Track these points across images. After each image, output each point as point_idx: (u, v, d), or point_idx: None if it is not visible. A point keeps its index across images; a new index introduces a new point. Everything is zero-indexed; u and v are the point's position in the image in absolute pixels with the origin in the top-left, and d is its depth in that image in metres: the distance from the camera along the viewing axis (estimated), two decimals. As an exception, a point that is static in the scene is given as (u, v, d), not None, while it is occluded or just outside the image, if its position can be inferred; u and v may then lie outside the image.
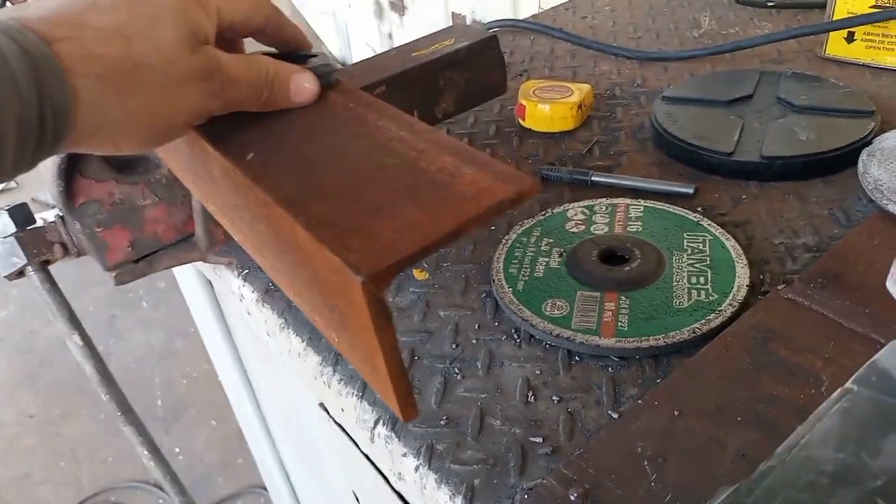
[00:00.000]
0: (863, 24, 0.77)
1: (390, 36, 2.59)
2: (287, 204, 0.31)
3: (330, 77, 0.41)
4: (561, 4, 1.14)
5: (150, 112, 0.33)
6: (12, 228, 0.57)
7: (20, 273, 0.58)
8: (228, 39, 0.41)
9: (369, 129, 0.35)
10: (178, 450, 1.85)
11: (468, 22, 2.03)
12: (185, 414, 1.97)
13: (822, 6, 0.85)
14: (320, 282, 0.31)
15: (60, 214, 0.59)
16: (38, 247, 0.58)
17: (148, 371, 2.13)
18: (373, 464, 0.54)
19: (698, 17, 1.00)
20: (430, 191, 0.30)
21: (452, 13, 2.13)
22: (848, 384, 0.32)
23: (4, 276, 0.57)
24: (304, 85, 0.39)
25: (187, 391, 2.05)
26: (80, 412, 2.01)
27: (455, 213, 0.28)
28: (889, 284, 0.34)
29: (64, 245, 0.59)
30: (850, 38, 0.80)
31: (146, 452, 0.68)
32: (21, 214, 0.57)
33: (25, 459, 1.90)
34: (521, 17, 1.08)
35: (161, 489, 1.72)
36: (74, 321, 0.60)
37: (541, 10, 1.13)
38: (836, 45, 0.81)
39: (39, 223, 0.58)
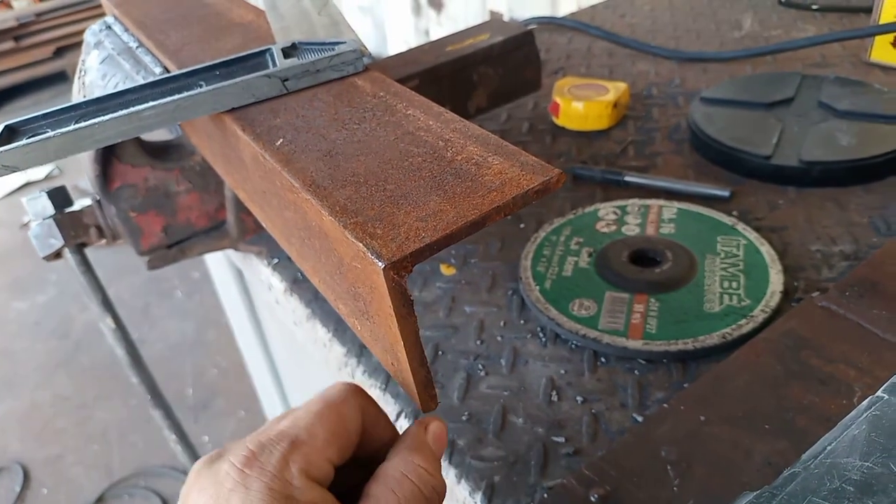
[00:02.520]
0: (912, 29, 0.75)
1: (427, 32, 2.60)
2: (313, 190, 0.31)
3: (359, 64, 0.41)
4: (600, 3, 1.13)
5: None
6: (51, 210, 0.58)
7: (57, 254, 0.59)
8: (360, 464, 0.33)
9: (397, 118, 0.35)
10: (206, 438, 1.88)
11: (505, 19, 2.03)
12: (215, 403, 2.00)
13: (868, 10, 0.83)
14: (344, 269, 0.31)
15: (97, 198, 0.60)
16: (75, 229, 0.59)
17: (180, 359, 2.16)
18: (393, 457, 0.54)
19: (740, 18, 0.98)
20: (454, 180, 0.30)
21: (490, 11, 2.12)
22: (879, 393, 0.31)
23: (42, 257, 0.59)
24: (442, 441, 0.33)
25: (217, 381, 2.08)
26: (113, 397, 2.05)
27: (479, 203, 0.28)
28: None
29: (99, 228, 0.60)
30: (897, 43, 0.78)
31: (173, 436, 0.69)
32: (60, 197, 0.58)
33: (59, 441, 1.94)
34: (559, 15, 1.07)
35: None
36: (107, 304, 0.61)
37: (579, 8, 1.12)
38: (881, 49, 0.79)
39: (77, 206, 0.59)
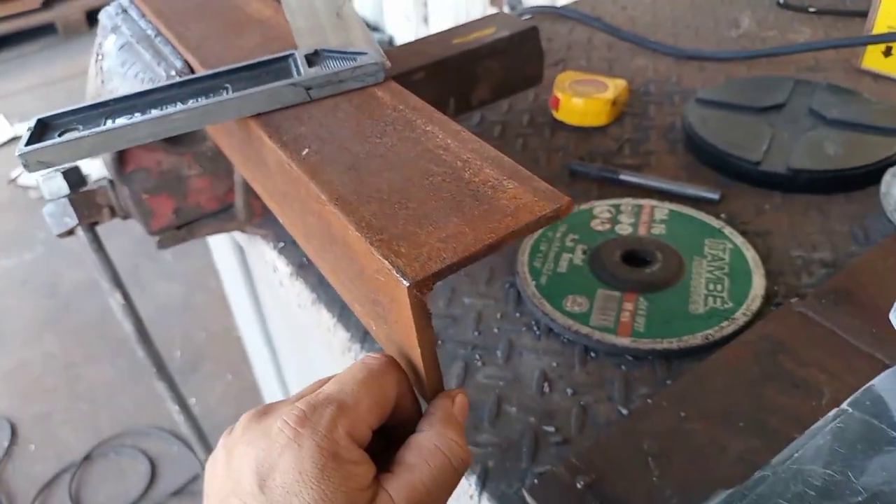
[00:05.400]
0: (902, 40, 0.77)
1: (425, 4, 2.59)
2: (340, 204, 0.33)
3: (379, 76, 0.43)
4: (601, -8, 1.14)
5: None
6: (66, 190, 0.60)
7: (70, 232, 0.61)
8: (392, 429, 0.35)
9: (417, 134, 0.38)
10: (194, 400, 1.91)
11: (506, 1, 2.03)
12: (203, 366, 2.03)
13: (864, 14, 0.85)
14: (365, 278, 0.34)
15: (110, 179, 0.62)
16: (89, 209, 0.61)
17: (168, 322, 2.18)
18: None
19: (738, 16, 1.00)
20: (472, 203, 0.32)
21: (490, -13, 2.12)
22: (844, 405, 0.35)
23: (56, 235, 0.61)
24: (466, 413, 0.35)
25: (205, 344, 2.10)
26: (101, 357, 2.07)
27: (495, 227, 0.31)
28: (892, 315, 0.36)
29: (112, 208, 0.62)
30: (887, 53, 0.80)
31: (176, 407, 0.72)
32: (74, 177, 0.60)
33: (47, 399, 1.97)
34: (560, 3, 1.09)
35: (176, 436, 1.78)
36: (117, 281, 0.64)
37: (581, -3, 1.13)
38: (873, 58, 0.82)
39: (91, 186, 0.61)
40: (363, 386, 0.32)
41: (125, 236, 2.47)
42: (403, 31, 2.74)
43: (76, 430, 1.88)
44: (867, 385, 0.35)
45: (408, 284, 0.29)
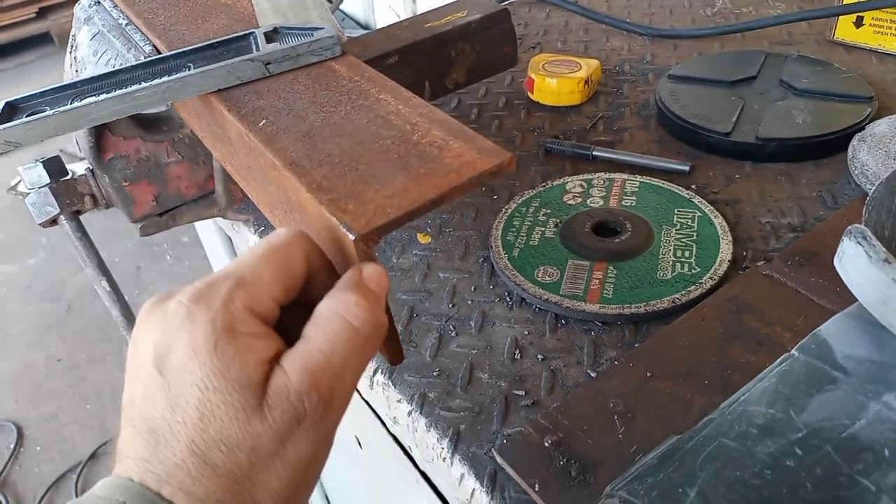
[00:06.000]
0: (871, 10, 0.78)
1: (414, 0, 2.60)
2: (293, 168, 0.35)
3: (336, 49, 0.44)
4: (581, -24, 1.15)
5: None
6: (46, 179, 0.61)
7: (53, 221, 0.63)
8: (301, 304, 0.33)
9: (370, 102, 0.39)
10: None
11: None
12: (204, 364, 2.05)
13: (837, -12, 0.86)
14: (322, 240, 0.35)
15: (90, 168, 0.63)
16: (70, 197, 0.62)
17: (169, 322, 2.20)
18: (372, 409, 0.58)
19: (714, -5, 1.01)
20: (419, 162, 0.33)
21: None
22: (792, 350, 0.36)
23: (39, 224, 0.62)
24: (380, 282, 0.32)
25: (207, 343, 2.12)
26: (106, 358, 2.09)
27: (439, 183, 0.32)
28: (836, 262, 0.37)
29: (94, 197, 0.63)
30: (858, 23, 0.81)
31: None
32: (55, 166, 0.61)
33: (53, 401, 1.99)
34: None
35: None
36: (102, 268, 0.65)
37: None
38: (844, 28, 0.82)
39: (71, 175, 0.63)
40: (264, 258, 0.31)
41: (127, 240, 2.50)
42: (395, 27, 2.75)
43: (82, 430, 1.90)
44: (814, 331, 0.36)
45: (353, 238, 0.30)
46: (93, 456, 1.80)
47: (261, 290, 0.30)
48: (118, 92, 0.41)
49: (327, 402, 0.30)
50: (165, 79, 0.41)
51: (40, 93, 0.43)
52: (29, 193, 0.62)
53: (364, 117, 0.38)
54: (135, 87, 0.41)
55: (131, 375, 0.31)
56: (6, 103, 0.42)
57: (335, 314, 0.30)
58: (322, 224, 0.33)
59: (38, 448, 1.86)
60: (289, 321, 0.32)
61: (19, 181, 2.85)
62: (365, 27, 2.94)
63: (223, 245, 0.95)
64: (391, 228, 0.31)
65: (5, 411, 1.97)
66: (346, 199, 0.32)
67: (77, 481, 1.73)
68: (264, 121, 0.39)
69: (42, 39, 4.00)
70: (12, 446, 1.85)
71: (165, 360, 0.29)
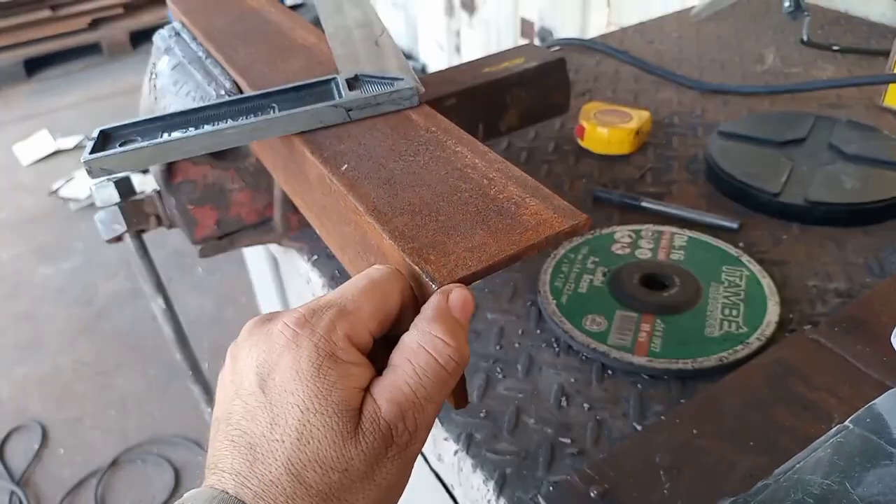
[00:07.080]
0: (924, 79, 0.79)
1: (458, 34, 2.65)
2: (375, 214, 0.36)
3: (414, 100, 0.46)
4: (630, 26, 1.18)
5: None
6: (116, 198, 0.64)
7: (119, 238, 0.65)
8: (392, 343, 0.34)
9: (447, 154, 0.41)
10: (218, 411, 1.95)
11: (536, 29, 2.07)
12: (229, 379, 2.07)
13: (887, 54, 0.87)
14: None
15: (158, 189, 0.66)
16: (137, 217, 0.65)
17: (197, 334, 2.23)
18: (413, 444, 0.59)
19: (763, 52, 1.02)
20: (497, 217, 0.35)
21: (521, 18, 2.17)
22: (846, 422, 0.36)
23: (105, 240, 0.64)
24: (465, 308, 0.33)
25: (232, 357, 2.14)
26: (133, 366, 2.12)
27: (517, 240, 0.33)
28: (893, 338, 0.38)
29: (158, 217, 0.66)
30: (909, 91, 0.82)
31: (209, 409, 0.75)
32: (125, 187, 0.64)
33: (78, 404, 2.02)
34: (590, 30, 1.12)
35: (201, 447, 1.81)
36: (160, 286, 0.67)
37: (609, 26, 1.16)
38: (894, 96, 0.83)
39: (139, 196, 0.65)
40: (364, 292, 0.33)
41: (161, 250, 2.54)
42: (436, 59, 2.81)
43: (105, 435, 1.92)
44: (869, 404, 0.37)
45: (436, 288, 0.31)
46: (114, 463, 1.81)
47: (360, 322, 0.32)
48: (207, 128, 0.43)
49: (412, 432, 0.31)
50: (252, 119, 0.44)
51: (132, 123, 0.46)
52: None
53: (442, 168, 0.39)
54: (223, 124, 0.44)
55: (229, 392, 0.32)
56: (101, 131, 0.45)
57: (421, 348, 0.32)
58: (403, 271, 0.35)
59: (62, 450, 1.88)
60: (372, 349, 0.33)
61: (61, 186, 2.92)
62: (408, 56, 3.00)
63: (269, 264, 0.97)
64: (470, 281, 0.32)
65: (32, 412, 2.01)
66: (427, 248, 0.34)
67: (97, 487, 1.75)
68: (346, 165, 0.41)
69: (91, 50, 4.12)
70: (36, 447, 1.88)
71: (269, 379, 0.30)
